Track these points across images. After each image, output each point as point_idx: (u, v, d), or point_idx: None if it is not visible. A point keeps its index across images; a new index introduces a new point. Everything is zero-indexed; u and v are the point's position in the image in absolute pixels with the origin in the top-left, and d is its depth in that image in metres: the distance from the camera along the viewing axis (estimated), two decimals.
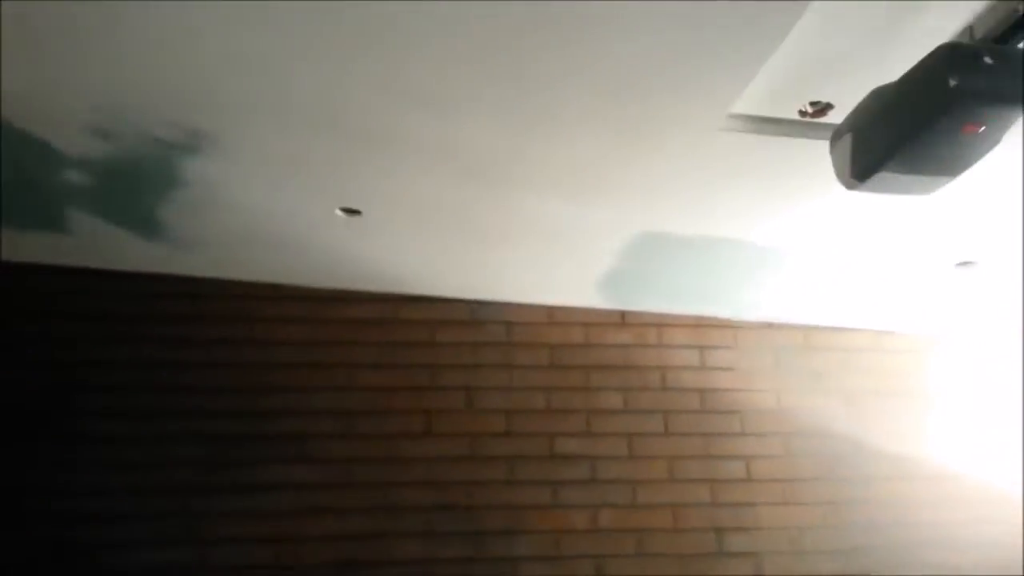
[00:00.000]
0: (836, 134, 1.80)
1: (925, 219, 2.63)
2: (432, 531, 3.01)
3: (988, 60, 1.51)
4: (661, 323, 3.51)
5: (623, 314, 3.49)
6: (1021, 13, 1.59)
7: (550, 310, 3.44)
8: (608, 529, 3.15)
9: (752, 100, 1.99)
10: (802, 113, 2.05)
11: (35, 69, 1.92)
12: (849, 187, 1.79)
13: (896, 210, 2.52)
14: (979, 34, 1.71)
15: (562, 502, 3.16)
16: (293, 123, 2.14)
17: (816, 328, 3.63)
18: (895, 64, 1.63)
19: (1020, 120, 1.56)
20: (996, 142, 1.61)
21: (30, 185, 2.53)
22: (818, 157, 1.88)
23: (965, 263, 2.94)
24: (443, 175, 2.42)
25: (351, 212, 2.68)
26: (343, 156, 2.33)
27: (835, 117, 1.97)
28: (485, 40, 1.75)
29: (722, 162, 2.27)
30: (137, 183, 2.52)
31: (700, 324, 3.54)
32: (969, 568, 3.31)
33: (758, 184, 2.41)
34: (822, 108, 2.03)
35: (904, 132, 1.60)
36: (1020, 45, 1.59)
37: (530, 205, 2.60)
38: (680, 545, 3.18)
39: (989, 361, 3.69)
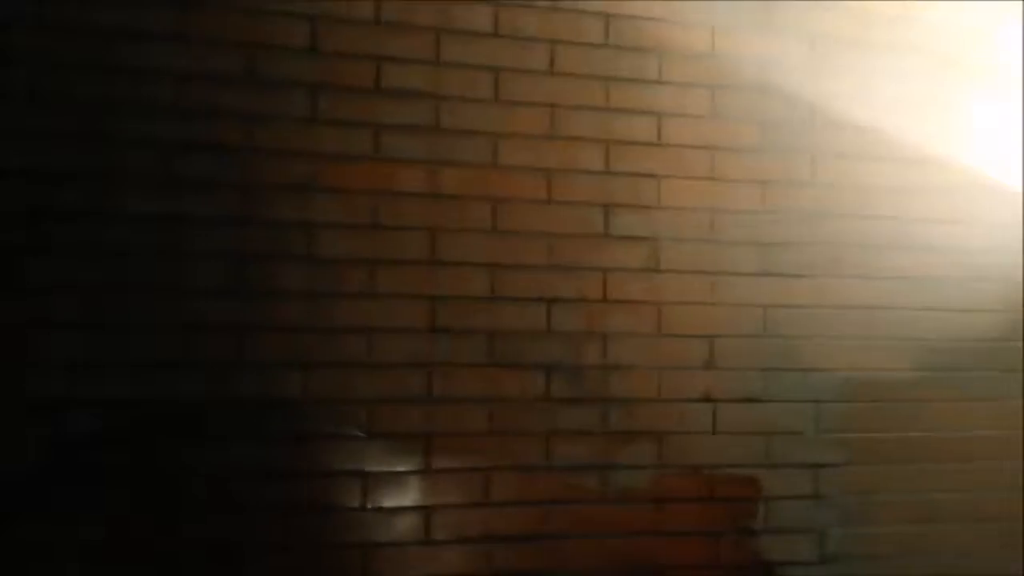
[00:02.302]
0: None
1: None
2: (171, 175, 2.05)
3: None
4: None
5: None
6: None
7: None
8: (452, 195, 2.24)
9: None
10: None
11: None
12: None
13: None
14: None
15: (388, 154, 2.21)
16: None
17: None
18: None
19: None
20: None
21: None
22: None
23: None
24: None
25: None
26: None
27: None
28: None
29: None
30: None
31: None
32: (945, 274, 2.57)
33: None
34: None
35: None
36: None
37: None
38: (553, 221, 2.31)
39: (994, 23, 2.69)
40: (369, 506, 2.12)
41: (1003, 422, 2.59)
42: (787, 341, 2.45)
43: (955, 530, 2.52)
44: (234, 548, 2.04)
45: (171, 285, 2.04)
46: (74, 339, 1.98)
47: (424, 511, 2.15)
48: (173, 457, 2.02)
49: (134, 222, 2.02)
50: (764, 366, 2.43)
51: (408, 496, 2.15)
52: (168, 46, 2.06)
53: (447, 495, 2.17)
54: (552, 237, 2.31)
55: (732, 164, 2.45)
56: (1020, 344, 2.61)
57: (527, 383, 2.26)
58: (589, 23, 2.36)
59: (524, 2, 2.32)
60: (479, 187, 2.27)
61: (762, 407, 2.41)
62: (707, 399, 2.38)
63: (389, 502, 2.14)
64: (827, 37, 2.55)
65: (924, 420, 2.52)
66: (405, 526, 2.14)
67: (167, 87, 2.06)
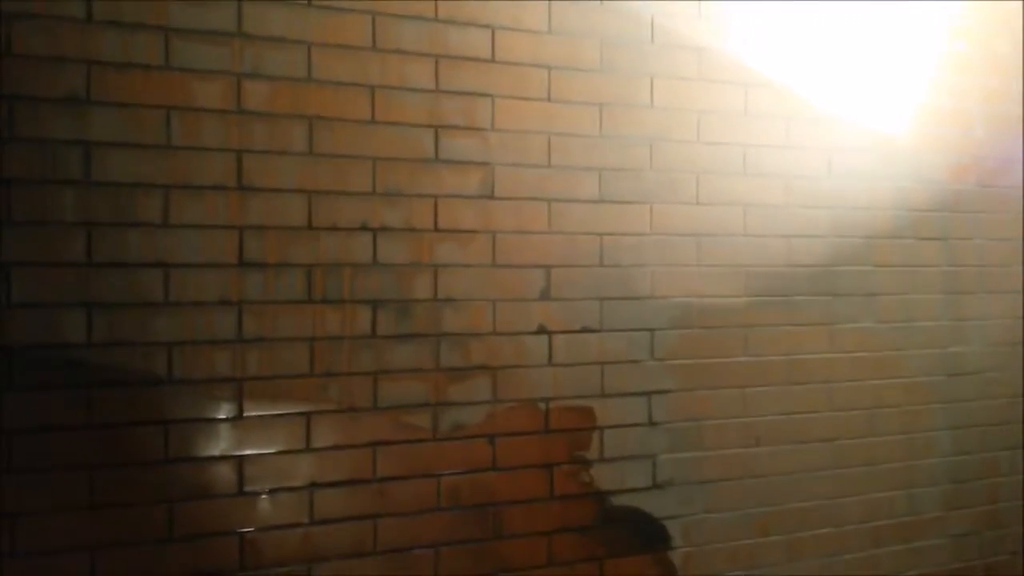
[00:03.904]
0: None
1: None
2: None
3: None
4: None
5: None
6: None
7: None
8: (260, 113, 2.00)
9: None
10: None
11: None
12: None
13: None
14: None
15: (181, 62, 1.93)
16: None
17: None
18: None
19: None
20: None
21: None
22: None
23: None
24: None
25: None
26: None
27: None
28: None
29: None
30: None
31: None
32: (778, 200, 2.57)
33: None
34: None
35: None
36: None
37: None
38: (378, 144, 2.12)
39: None
40: (173, 458, 1.93)
41: (830, 345, 2.67)
42: (624, 270, 2.40)
43: (783, 452, 2.61)
44: (7, 515, 1.80)
45: None
46: None
47: (236, 460, 1.98)
48: None
49: None
50: (601, 295, 2.37)
51: (217, 446, 1.96)
52: None
53: (262, 443, 2.00)
54: (377, 161, 2.12)
55: (570, 85, 2.33)
56: (848, 269, 2.69)
57: (352, 320, 2.10)
58: None
59: None
60: (292, 104, 2.03)
61: (598, 337, 2.37)
62: (543, 331, 2.30)
63: (196, 453, 1.94)
64: None
65: (754, 345, 2.56)
66: (214, 478, 1.96)
67: None
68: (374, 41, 2.11)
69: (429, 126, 2.18)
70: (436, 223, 2.19)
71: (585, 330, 2.35)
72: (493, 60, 2.24)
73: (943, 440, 2.86)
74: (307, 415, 2.06)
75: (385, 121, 2.13)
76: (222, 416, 1.97)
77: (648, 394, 2.43)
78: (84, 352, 1.85)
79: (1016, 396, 2.98)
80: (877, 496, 2.75)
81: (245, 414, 1.99)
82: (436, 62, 2.18)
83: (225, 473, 1.97)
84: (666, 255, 2.45)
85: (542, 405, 2.31)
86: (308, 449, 2.05)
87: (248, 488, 1.99)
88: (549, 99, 2.31)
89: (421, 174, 2.17)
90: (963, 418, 2.90)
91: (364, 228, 2.11)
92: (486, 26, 2.23)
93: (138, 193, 1.89)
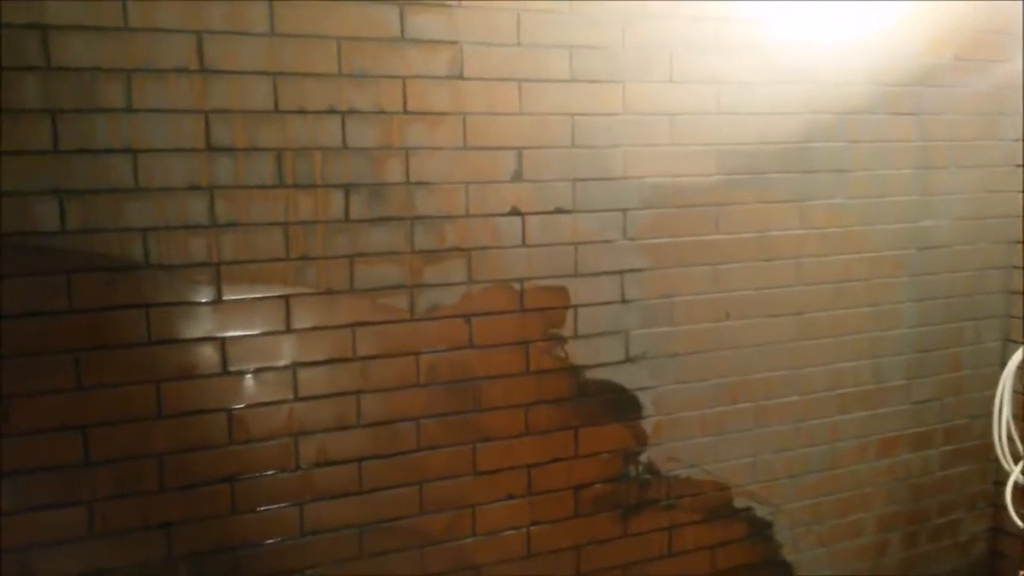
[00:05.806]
0: None
1: None
2: None
3: None
4: None
5: None
6: None
7: None
8: None
9: None
10: None
11: None
12: None
13: None
14: None
15: None
16: None
17: None
18: None
19: None
20: None
21: None
22: None
23: None
24: None
25: None
26: None
27: None
28: None
29: None
30: None
31: None
32: (749, 77, 2.54)
33: None
34: None
35: None
36: None
37: None
38: (341, 22, 2.07)
39: None
40: (156, 340, 1.98)
41: (801, 222, 2.71)
42: (596, 150, 2.40)
43: (752, 325, 2.69)
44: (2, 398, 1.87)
45: None
46: None
47: (218, 342, 2.04)
48: None
49: None
50: (573, 176, 2.39)
51: (199, 328, 2.02)
52: None
53: (243, 325, 2.06)
54: (341, 41, 2.09)
55: None
56: (820, 145, 2.70)
57: (324, 204, 2.12)
58: None
59: None
60: None
61: (571, 217, 2.40)
62: (516, 212, 2.33)
63: (178, 335, 2.00)
64: None
65: (725, 223, 2.60)
66: (199, 359, 2.02)
67: None
68: None
69: (393, 2, 2.13)
70: (405, 105, 2.17)
71: (558, 211, 2.38)
72: None
73: (909, 312, 2.95)
74: (286, 298, 2.11)
75: None
76: (202, 300, 2.02)
77: (621, 273, 2.48)
78: (60, 239, 1.88)
79: (982, 268, 3.05)
80: (843, 366, 2.86)
81: (224, 297, 2.04)
82: None
83: (209, 354, 2.04)
84: (639, 135, 2.45)
85: (516, 285, 2.36)
86: (289, 330, 2.11)
87: (232, 368, 2.06)
88: None
89: (388, 54, 2.14)
90: (929, 290, 2.98)
91: (332, 111, 2.10)
92: None
93: (99, 77, 1.87)
